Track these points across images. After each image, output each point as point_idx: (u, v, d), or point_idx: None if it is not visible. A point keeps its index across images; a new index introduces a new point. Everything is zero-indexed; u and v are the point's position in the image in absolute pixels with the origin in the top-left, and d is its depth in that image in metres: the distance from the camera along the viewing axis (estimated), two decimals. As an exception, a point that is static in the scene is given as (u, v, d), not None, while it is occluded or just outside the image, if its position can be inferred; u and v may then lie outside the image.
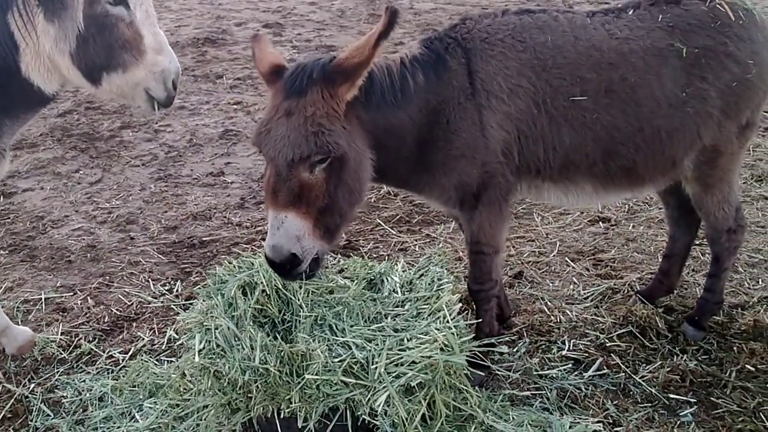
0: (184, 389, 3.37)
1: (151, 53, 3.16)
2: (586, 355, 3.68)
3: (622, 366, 3.57)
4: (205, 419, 3.15)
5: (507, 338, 3.78)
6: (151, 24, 3.15)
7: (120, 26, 3.09)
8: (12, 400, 3.59)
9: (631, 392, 3.43)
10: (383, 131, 3.05)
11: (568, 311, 4.04)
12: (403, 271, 3.37)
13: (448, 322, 2.95)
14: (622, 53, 3.20)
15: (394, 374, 2.78)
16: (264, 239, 3.37)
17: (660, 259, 4.16)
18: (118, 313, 4.31)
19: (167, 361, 3.80)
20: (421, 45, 3.23)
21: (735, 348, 3.67)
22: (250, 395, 2.89)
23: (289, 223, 2.77)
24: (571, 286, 4.32)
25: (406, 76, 3.07)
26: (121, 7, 3.09)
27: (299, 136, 2.72)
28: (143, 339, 4.03)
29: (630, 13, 3.32)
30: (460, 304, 3.19)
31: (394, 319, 3.04)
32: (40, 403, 3.57)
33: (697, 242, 4.20)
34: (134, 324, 4.21)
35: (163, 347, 3.95)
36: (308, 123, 2.72)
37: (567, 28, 3.23)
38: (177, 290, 4.49)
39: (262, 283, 3.13)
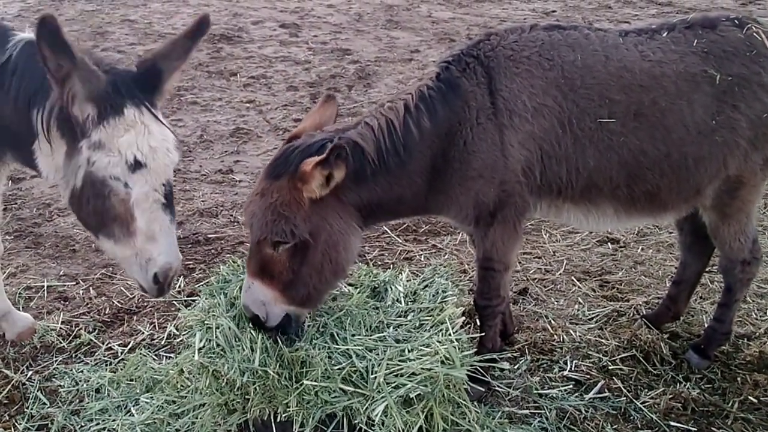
0: (182, 386, 3.36)
1: (140, 238, 2.84)
2: (588, 376, 3.65)
3: (624, 390, 3.54)
4: (201, 418, 3.13)
5: (508, 355, 3.75)
6: (149, 209, 2.82)
7: (113, 200, 2.83)
8: (9, 387, 3.58)
9: (632, 417, 3.39)
10: (385, 191, 3.06)
11: (571, 331, 4.01)
12: (408, 281, 3.35)
13: (450, 335, 2.93)
14: (654, 76, 3.15)
15: (393, 385, 2.77)
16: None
17: (668, 284, 4.12)
18: (120, 305, 4.30)
19: (166, 356, 3.79)
20: (435, 72, 3.17)
21: (739, 378, 3.62)
22: (247, 397, 2.88)
23: (255, 289, 2.93)
24: (576, 306, 4.28)
25: (410, 127, 3.03)
26: (119, 182, 2.81)
27: (262, 218, 2.87)
28: (143, 333, 4.01)
29: (664, 35, 3.26)
30: (464, 318, 3.17)
31: (396, 330, 3.02)
32: (37, 391, 3.57)
33: (707, 269, 4.16)
34: (135, 317, 4.20)
35: (163, 342, 3.94)
36: (269, 209, 2.86)
37: (598, 47, 3.18)
38: (179, 286, 4.47)
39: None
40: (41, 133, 2.89)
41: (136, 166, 2.79)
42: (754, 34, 3.24)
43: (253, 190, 2.99)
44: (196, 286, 4.32)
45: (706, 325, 3.91)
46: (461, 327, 3.03)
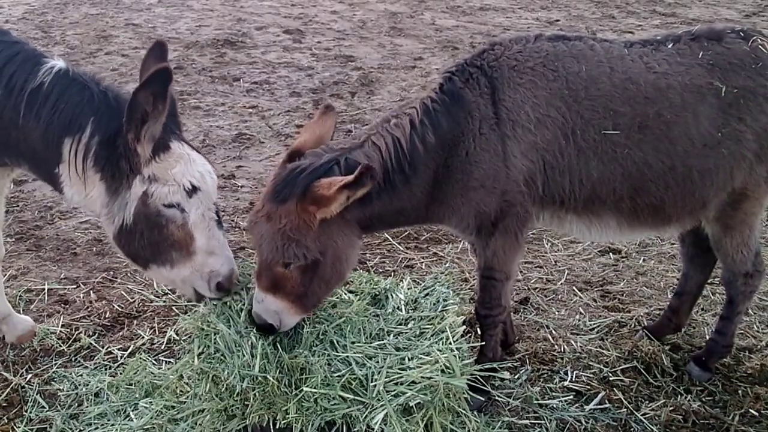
0: (181, 391, 3.34)
1: (201, 255, 3.02)
2: (589, 387, 3.63)
3: (625, 401, 3.52)
4: (200, 423, 3.12)
5: (509, 364, 3.74)
6: (207, 227, 3.02)
7: (170, 227, 2.98)
8: (8, 390, 3.57)
9: (632, 429, 3.37)
10: (386, 205, 3.08)
11: (572, 341, 4.00)
12: (409, 289, 3.34)
13: (450, 344, 2.93)
14: (659, 88, 3.14)
15: (393, 393, 2.77)
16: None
17: (669, 296, 4.11)
18: (120, 309, 4.29)
19: (166, 361, 3.78)
20: (438, 83, 3.18)
21: (740, 391, 3.61)
22: (246, 403, 2.87)
23: (268, 302, 2.96)
24: (577, 316, 4.27)
25: (416, 144, 3.04)
26: (175, 210, 2.98)
27: (271, 242, 2.90)
28: (143, 337, 4.01)
29: (670, 46, 3.26)
30: (464, 327, 3.16)
31: (397, 337, 3.02)
32: (36, 394, 3.56)
33: (709, 281, 4.15)
34: (135, 321, 4.19)
35: (163, 347, 3.93)
36: (279, 234, 2.88)
37: (603, 58, 3.18)
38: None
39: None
40: (73, 166, 2.99)
41: (193, 191, 2.98)
42: (760, 46, 3.23)
43: (257, 210, 2.99)
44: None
45: (707, 337, 3.91)
46: (462, 336, 3.02)
